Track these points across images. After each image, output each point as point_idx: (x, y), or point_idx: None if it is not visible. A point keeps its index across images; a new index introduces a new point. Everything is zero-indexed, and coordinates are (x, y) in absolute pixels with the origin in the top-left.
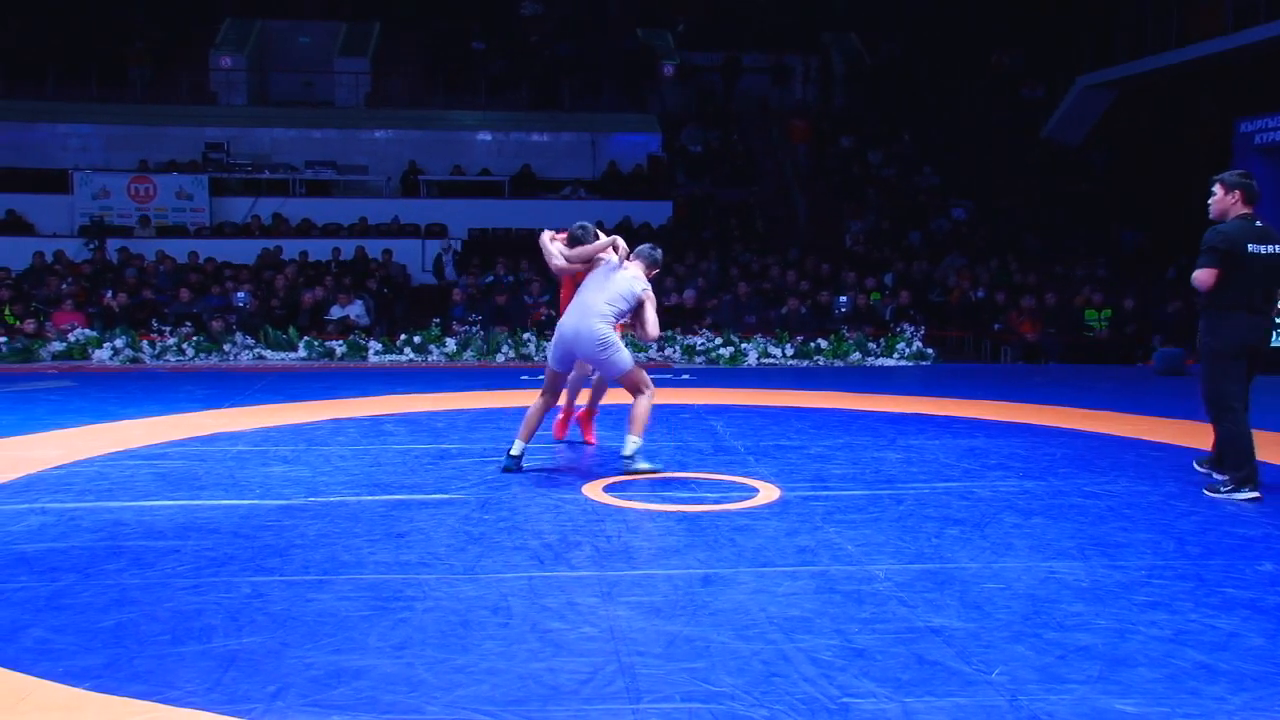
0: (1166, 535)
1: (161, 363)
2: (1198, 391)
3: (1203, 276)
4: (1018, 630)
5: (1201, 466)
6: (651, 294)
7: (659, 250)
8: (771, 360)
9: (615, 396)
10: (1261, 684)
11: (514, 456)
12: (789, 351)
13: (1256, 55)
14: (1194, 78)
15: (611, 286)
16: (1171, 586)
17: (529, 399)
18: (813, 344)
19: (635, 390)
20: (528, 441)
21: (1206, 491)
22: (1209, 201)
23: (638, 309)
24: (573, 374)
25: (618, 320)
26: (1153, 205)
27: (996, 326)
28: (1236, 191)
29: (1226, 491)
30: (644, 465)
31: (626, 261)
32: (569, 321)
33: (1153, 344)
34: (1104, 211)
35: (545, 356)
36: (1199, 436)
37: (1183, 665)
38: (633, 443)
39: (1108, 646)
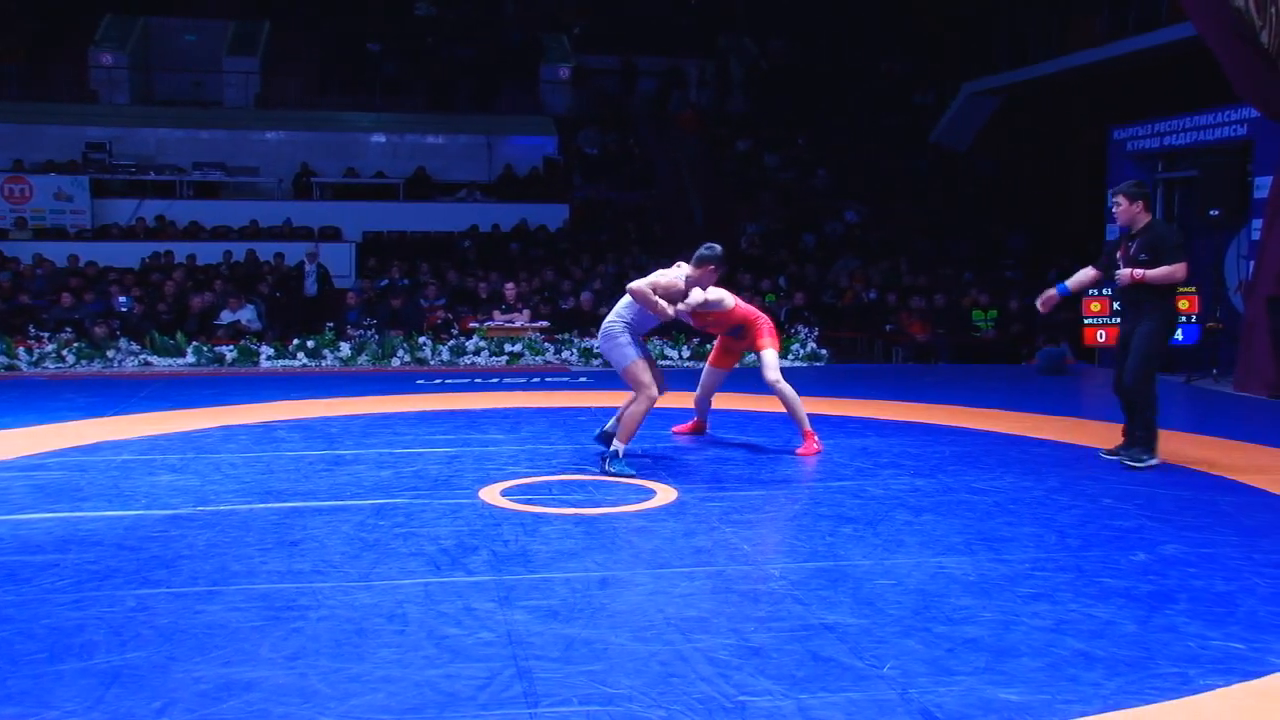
0: (1049, 529)
1: (40, 370)
2: (1078, 388)
3: (1183, 271)
4: (908, 625)
5: (1112, 455)
6: (679, 283)
7: (715, 247)
8: (669, 362)
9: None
10: (1134, 669)
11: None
12: (685, 353)
13: (1127, 66)
14: (1071, 86)
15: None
16: (1053, 578)
17: (425, 403)
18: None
19: (633, 390)
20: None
21: (1129, 464)
22: (1115, 212)
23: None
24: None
25: (626, 319)
26: (1035, 208)
27: (888, 327)
28: (1140, 201)
29: (1146, 463)
30: (613, 469)
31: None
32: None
33: (1036, 343)
34: (990, 214)
35: (441, 361)
36: (1080, 432)
37: (1063, 654)
38: (617, 446)
39: (993, 638)
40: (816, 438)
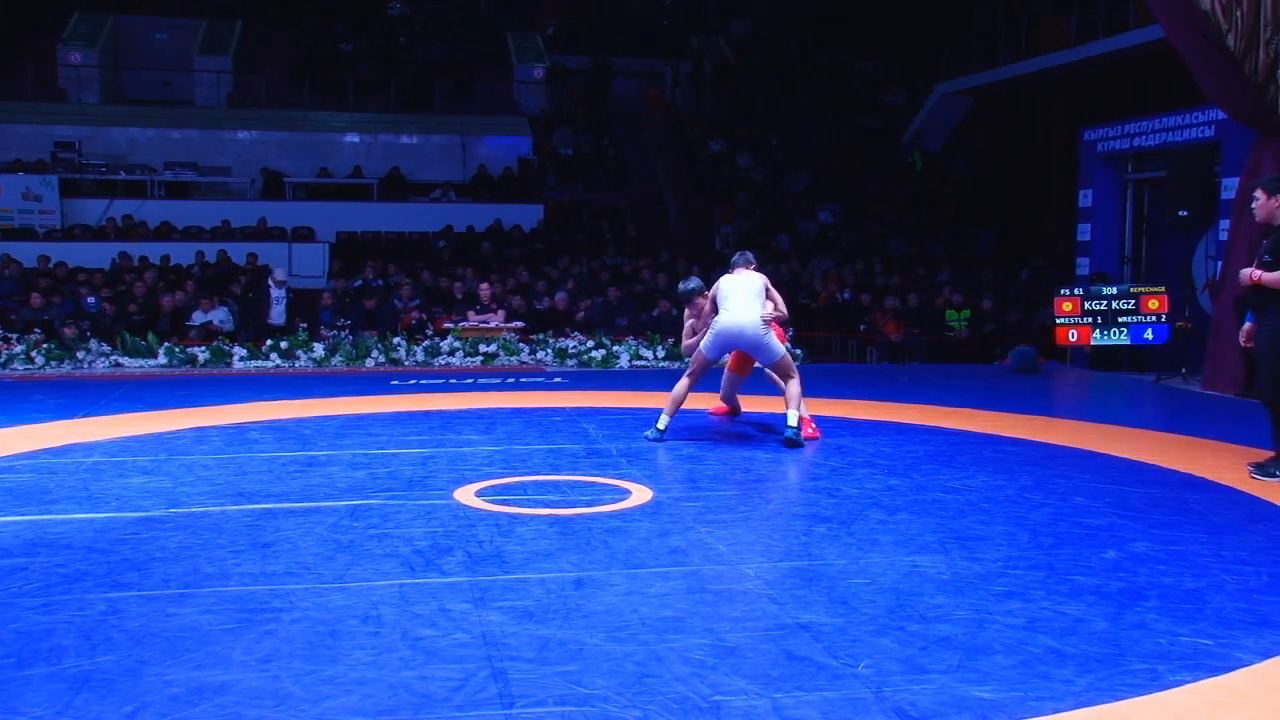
0: (1021, 527)
1: (8, 371)
2: (1050, 388)
3: None
4: (883, 624)
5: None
6: (772, 289)
7: (748, 253)
8: (643, 362)
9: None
10: (1105, 665)
11: (660, 430)
12: (661, 354)
13: (1098, 67)
14: (1043, 87)
15: (753, 289)
16: (1025, 576)
17: (399, 404)
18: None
19: (786, 375)
20: (672, 416)
21: (1261, 477)
22: (1253, 207)
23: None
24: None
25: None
26: (1006, 209)
27: (862, 327)
28: (1279, 195)
29: (1275, 476)
30: (800, 439)
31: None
32: (734, 319)
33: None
34: (963, 215)
35: (415, 361)
36: (1052, 431)
37: (1035, 651)
38: (794, 416)
39: (967, 636)
40: (813, 424)
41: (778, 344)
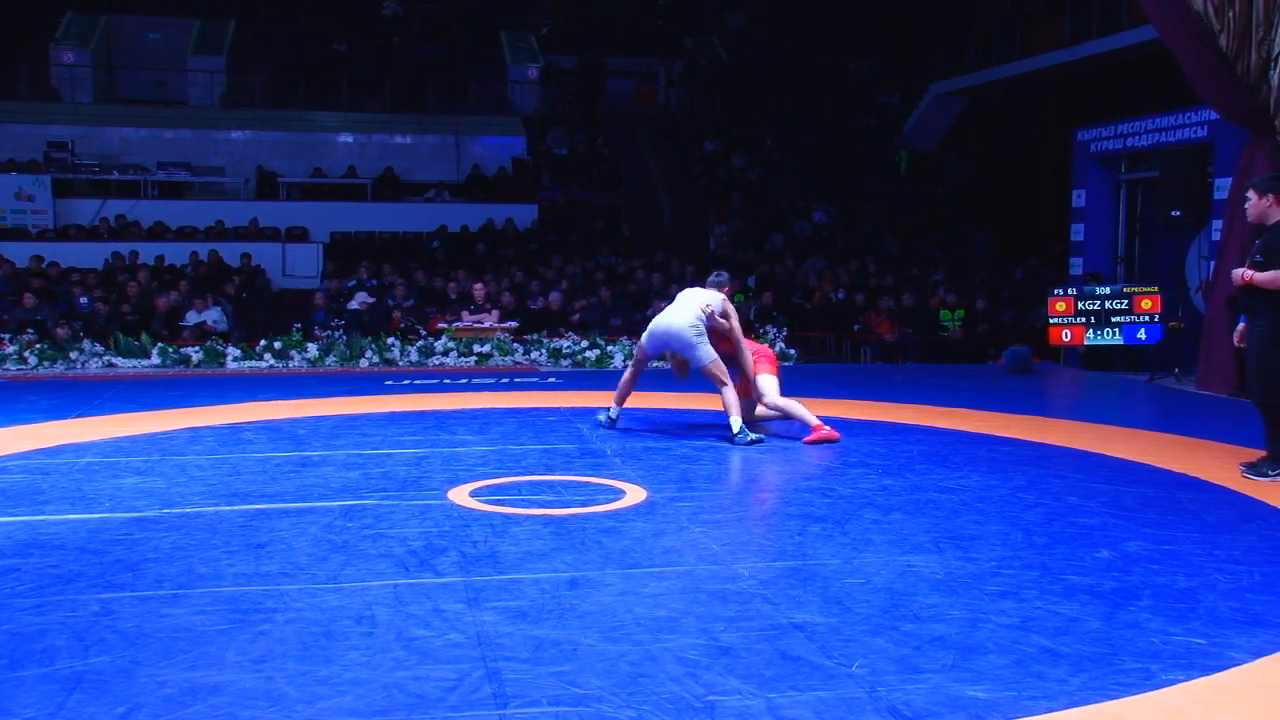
0: (1015, 527)
1: (1, 372)
2: (1043, 388)
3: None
4: (877, 623)
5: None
6: (731, 310)
7: (724, 274)
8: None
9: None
10: (1098, 664)
11: (611, 419)
12: None
13: (1091, 68)
14: (1037, 87)
15: (697, 300)
16: (1019, 576)
17: (394, 404)
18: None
19: (719, 382)
20: (620, 405)
21: (1253, 477)
22: (1245, 207)
23: (725, 323)
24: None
25: (703, 324)
26: (1000, 209)
27: (856, 327)
28: (1270, 195)
29: (1275, 474)
30: (752, 436)
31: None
32: (666, 319)
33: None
34: (958, 215)
35: (409, 362)
36: (1046, 431)
37: (1029, 650)
38: (736, 423)
39: (960, 635)
40: (826, 426)
41: (707, 350)
